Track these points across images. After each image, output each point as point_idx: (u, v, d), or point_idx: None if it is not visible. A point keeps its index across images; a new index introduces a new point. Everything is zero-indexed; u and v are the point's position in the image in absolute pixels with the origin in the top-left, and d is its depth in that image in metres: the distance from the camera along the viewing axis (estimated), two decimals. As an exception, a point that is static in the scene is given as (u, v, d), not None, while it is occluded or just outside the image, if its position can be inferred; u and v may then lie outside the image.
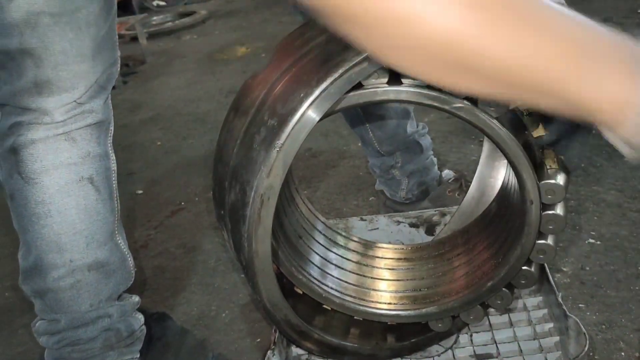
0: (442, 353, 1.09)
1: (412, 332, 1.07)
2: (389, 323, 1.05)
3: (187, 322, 1.35)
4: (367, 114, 1.40)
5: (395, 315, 1.03)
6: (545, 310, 1.13)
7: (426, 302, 1.05)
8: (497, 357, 1.06)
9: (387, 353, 1.07)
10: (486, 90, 0.54)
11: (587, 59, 0.50)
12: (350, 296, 1.01)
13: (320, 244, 1.07)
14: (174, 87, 3.18)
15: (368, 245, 1.14)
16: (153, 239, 1.74)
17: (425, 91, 0.78)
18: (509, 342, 1.08)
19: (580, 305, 1.18)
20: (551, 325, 1.09)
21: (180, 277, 1.54)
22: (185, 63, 3.60)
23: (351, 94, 0.80)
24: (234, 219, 0.88)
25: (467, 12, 0.47)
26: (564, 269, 1.28)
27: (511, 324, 1.12)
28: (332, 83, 0.77)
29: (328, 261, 1.06)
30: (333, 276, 1.03)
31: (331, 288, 0.99)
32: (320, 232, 1.09)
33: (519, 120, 0.85)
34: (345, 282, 1.04)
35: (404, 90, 0.79)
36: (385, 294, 1.05)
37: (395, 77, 0.79)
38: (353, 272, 1.06)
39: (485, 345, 1.09)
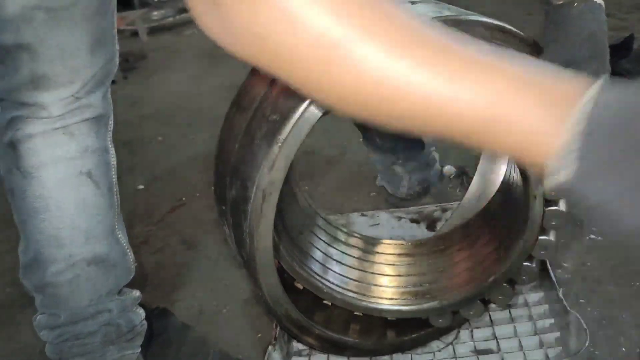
0: (442, 348, 1.09)
1: (413, 327, 1.08)
2: (389, 318, 1.05)
3: (189, 318, 1.35)
4: None
5: (397, 311, 1.04)
6: (546, 306, 1.13)
7: (427, 298, 1.05)
8: (497, 353, 1.06)
9: (387, 348, 1.07)
10: (405, 126, 0.48)
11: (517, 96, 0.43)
12: (352, 291, 1.01)
13: (321, 239, 1.07)
14: (174, 83, 3.18)
15: (369, 241, 1.14)
16: (154, 234, 1.75)
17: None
18: (509, 338, 1.08)
19: (581, 300, 1.18)
20: (552, 320, 1.09)
21: (181, 273, 1.54)
22: (186, 58, 3.59)
23: None
24: (235, 215, 0.88)
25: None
26: (565, 265, 1.28)
27: (512, 320, 1.12)
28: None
29: (329, 257, 1.06)
30: (334, 271, 1.03)
31: (332, 283, 1.00)
32: (320, 227, 1.09)
33: None
34: (347, 277, 1.04)
35: None
36: (386, 289, 1.05)
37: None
38: (354, 268, 1.06)
39: (486, 340, 1.09)
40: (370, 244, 1.13)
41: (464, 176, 1.51)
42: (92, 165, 0.99)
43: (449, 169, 1.54)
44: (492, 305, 1.13)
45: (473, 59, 0.44)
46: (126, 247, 1.07)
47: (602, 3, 0.79)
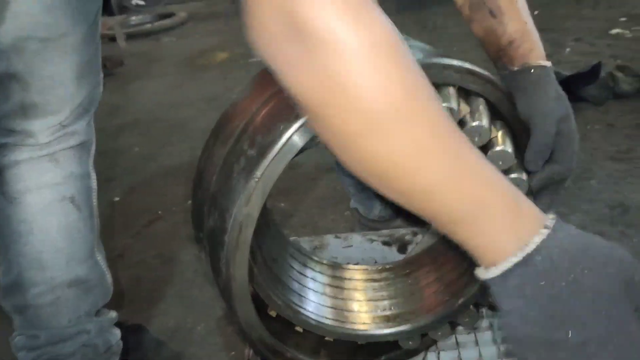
0: (410, 370, 1.13)
1: (382, 349, 1.11)
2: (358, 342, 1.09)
3: (163, 335, 1.37)
4: None
5: (370, 335, 1.07)
6: (509, 331, 1.17)
7: (398, 321, 1.09)
8: (463, 376, 1.10)
9: (357, 370, 1.10)
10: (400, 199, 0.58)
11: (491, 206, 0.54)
12: (326, 318, 1.05)
13: (294, 268, 1.11)
14: (152, 92, 3.18)
15: (338, 267, 1.18)
16: (130, 248, 1.76)
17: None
18: (474, 361, 1.13)
19: (542, 325, 1.23)
20: (514, 345, 1.14)
21: (157, 289, 1.56)
22: (165, 67, 3.60)
23: None
24: (212, 244, 0.91)
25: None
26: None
27: (477, 343, 1.16)
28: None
29: (303, 285, 1.09)
30: (309, 300, 1.06)
31: (307, 311, 1.03)
32: (292, 256, 1.13)
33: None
34: (320, 304, 1.07)
35: None
36: (359, 315, 1.09)
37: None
38: (327, 295, 1.10)
39: (452, 363, 1.13)
40: (339, 270, 1.17)
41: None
42: (75, 191, 1.01)
43: (421, 192, 1.58)
44: (459, 328, 1.17)
45: (478, 167, 0.54)
46: (105, 269, 1.10)
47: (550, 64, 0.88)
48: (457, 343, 1.18)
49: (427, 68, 0.84)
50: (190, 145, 2.41)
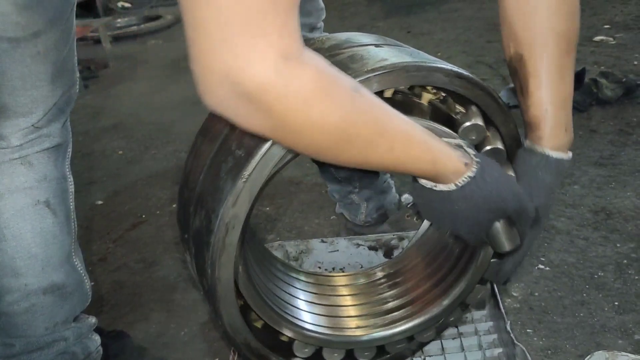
0: (396, 376, 1.12)
1: (369, 354, 1.10)
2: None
3: (145, 340, 1.35)
4: None
5: (368, 341, 1.06)
6: (495, 336, 1.17)
7: (387, 325, 1.08)
8: (449, 381, 1.10)
9: (342, 376, 1.09)
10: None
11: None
12: (320, 326, 1.04)
13: (281, 280, 1.10)
14: (137, 94, 3.16)
15: (328, 277, 1.17)
16: (112, 252, 1.73)
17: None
18: (460, 366, 1.12)
19: (528, 330, 1.24)
20: (500, 350, 1.14)
21: (140, 293, 1.53)
22: (150, 69, 3.57)
23: None
24: (198, 245, 0.89)
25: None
26: (514, 294, 1.34)
27: (462, 349, 1.16)
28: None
29: (293, 296, 1.08)
30: (300, 310, 1.06)
31: (303, 321, 1.03)
32: (278, 269, 1.12)
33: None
34: (317, 314, 1.07)
35: None
36: (349, 320, 1.08)
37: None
38: (315, 303, 1.09)
39: (438, 369, 1.13)
40: (324, 279, 1.16)
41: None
42: (50, 194, 0.98)
43: (406, 197, 1.58)
44: (444, 334, 1.17)
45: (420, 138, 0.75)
46: (83, 274, 1.07)
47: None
48: (442, 349, 1.17)
49: (415, 70, 0.85)
50: (175, 148, 2.39)
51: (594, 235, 1.50)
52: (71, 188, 1.04)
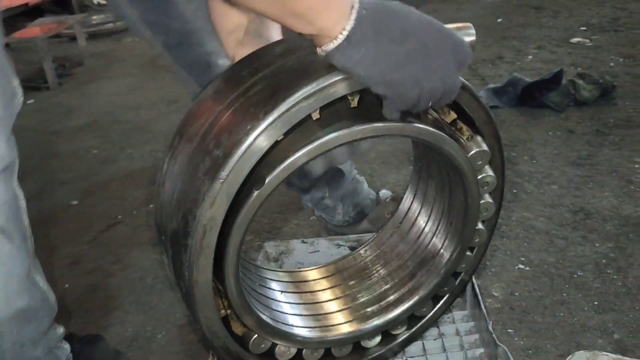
0: (377, 378, 1.11)
1: (348, 355, 1.09)
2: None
3: (121, 344, 1.31)
4: None
5: (356, 336, 1.05)
6: (477, 336, 1.17)
7: (365, 318, 1.07)
8: (430, 382, 1.09)
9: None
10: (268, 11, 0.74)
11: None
12: (308, 327, 1.02)
13: (259, 284, 1.08)
14: (112, 93, 3.10)
15: (305, 275, 1.15)
16: (86, 254, 1.69)
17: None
18: (441, 367, 1.12)
19: (509, 330, 1.23)
20: (482, 350, 1.13)
21: (115, 296, 1.49)
22: (126, 67, 3.51)
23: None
24: (175, 247, 0.87)
25: None
26: (495, 294, 1.33)
27: (444, 349, 1.15)
28: (278, 117, 0.78)
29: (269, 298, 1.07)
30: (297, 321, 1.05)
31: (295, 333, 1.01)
32: (254, 273, 1.10)
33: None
34: (308, 315, 1.06)
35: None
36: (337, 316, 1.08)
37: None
38: (307, 305, 1.08)
39: (420, 370, 1.12)
40: (301, 279, 1.15)
41: (400, 201, 1.54)
42: (3, 220, 0.91)
43: (384, 193, 1.57)
44: (426, 335, 1.16)
45: None
46: (45, 289, 1.03)
47: None
48: (424, 349, 1.16)
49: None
50: (151, 148, 2.34)
51: (573, 235, 1.50)
52: (23, 204, 0.97)
